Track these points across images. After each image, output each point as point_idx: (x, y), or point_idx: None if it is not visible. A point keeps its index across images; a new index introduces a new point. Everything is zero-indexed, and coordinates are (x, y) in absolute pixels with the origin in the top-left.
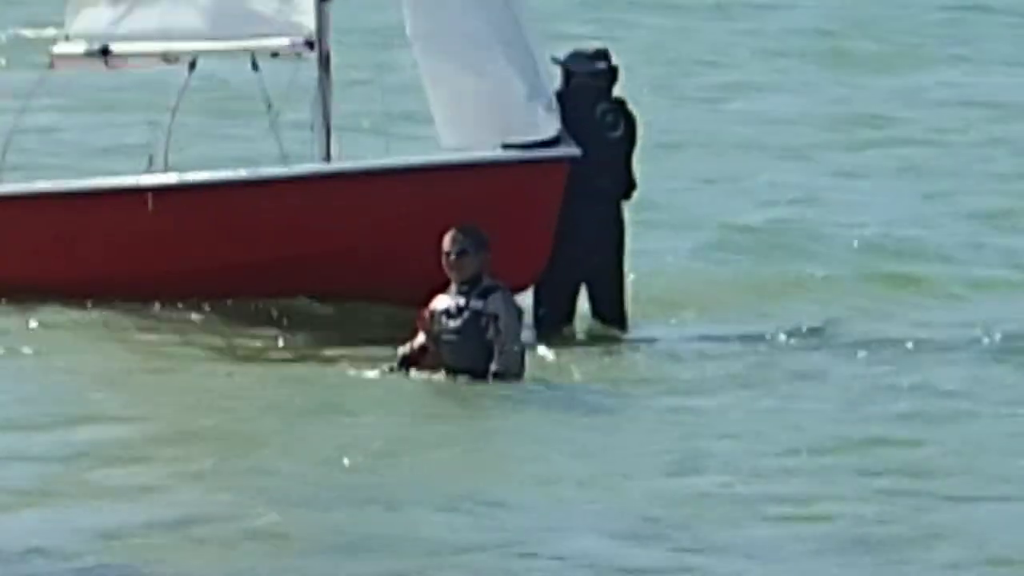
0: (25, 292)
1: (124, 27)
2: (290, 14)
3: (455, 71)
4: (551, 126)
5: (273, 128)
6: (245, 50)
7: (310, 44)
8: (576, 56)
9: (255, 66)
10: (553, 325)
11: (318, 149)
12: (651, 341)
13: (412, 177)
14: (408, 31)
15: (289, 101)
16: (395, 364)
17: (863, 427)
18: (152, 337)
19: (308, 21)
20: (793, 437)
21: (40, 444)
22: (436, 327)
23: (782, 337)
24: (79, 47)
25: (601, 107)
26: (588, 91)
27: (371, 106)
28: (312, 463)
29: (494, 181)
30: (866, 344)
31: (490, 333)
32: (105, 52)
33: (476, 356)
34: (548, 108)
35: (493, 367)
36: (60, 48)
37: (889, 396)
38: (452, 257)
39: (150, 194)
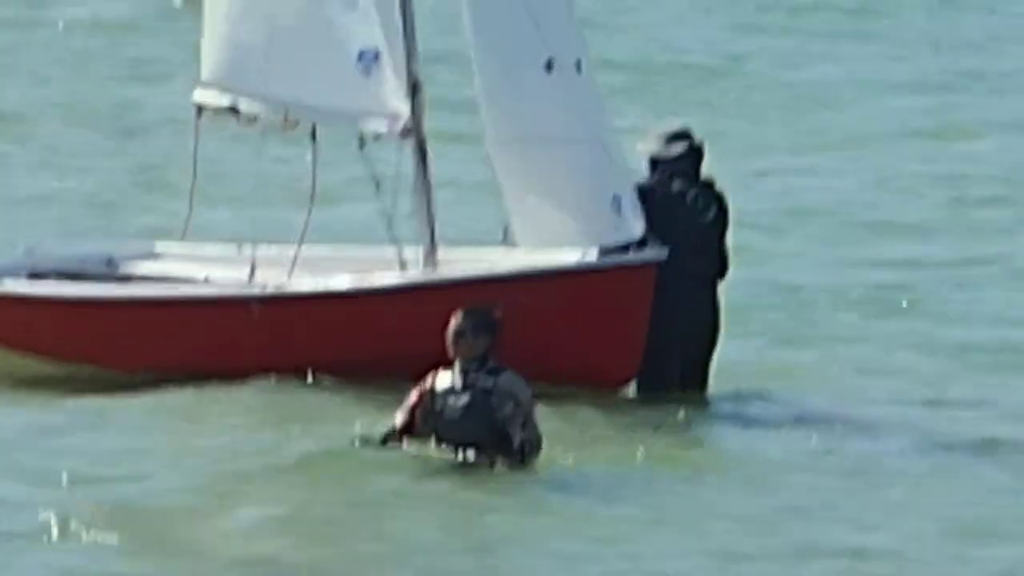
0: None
1: (245, 83)
2: (387, 98)
3: (536, 176)
4: (638, 227)
5: (382, 209)
6: (351, 127)
7: (406, 132)
8: (659, 141)
9: (362, 145)
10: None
11: (421, 239)
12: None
13: (505, 285)
14: (486, 135)
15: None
16: (372, 438)
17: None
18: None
19: (405, 108)
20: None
21: None
22: (437, 405)
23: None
24: (213, 96)
25: (692, 192)
26: (676, 177)
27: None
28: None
29: (585, 286)
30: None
31: (506, 411)
32: (234, 110)
33: (481, 434)
34: (634, 209)
35: (519, 438)
36: (198, 95)
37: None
38: (450, 337)
39: (256, 303)
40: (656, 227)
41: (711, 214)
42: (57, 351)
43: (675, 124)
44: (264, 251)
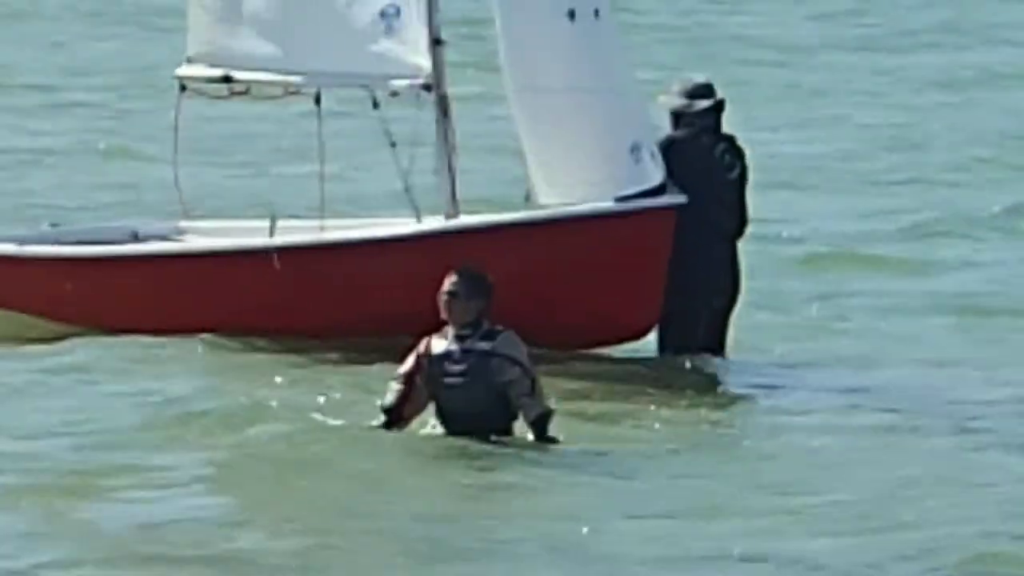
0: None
1: (243, 54)
2: (409, 55)
3: (557, 125)
4: (657, 174)
5: (397, 167)
6: (364, 87)
7: (427, 87)
8: (682, 95)
9: (376, 105)
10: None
11: (442, 194)
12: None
13: (525, 231)
14: (506, 85)
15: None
16: (378, 420)
17: None
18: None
19: (427, 63)
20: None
21: None
22: (435, 371)
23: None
24: (201, 70)
25: (720, 147)
26: (702, 131)
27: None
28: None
29: (603, 232)
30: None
31: (507, 376)
32: (228, 79)
33: (484, 399)
34: (653, 156)
35: (533, 413)
36: (183, 70)
37: None
38: (443, 298)
39: (276, 254)
40: (684, 180)
41: (736, 170)
42: (77, 314)
43: (697, 78)
44: (286, 224)
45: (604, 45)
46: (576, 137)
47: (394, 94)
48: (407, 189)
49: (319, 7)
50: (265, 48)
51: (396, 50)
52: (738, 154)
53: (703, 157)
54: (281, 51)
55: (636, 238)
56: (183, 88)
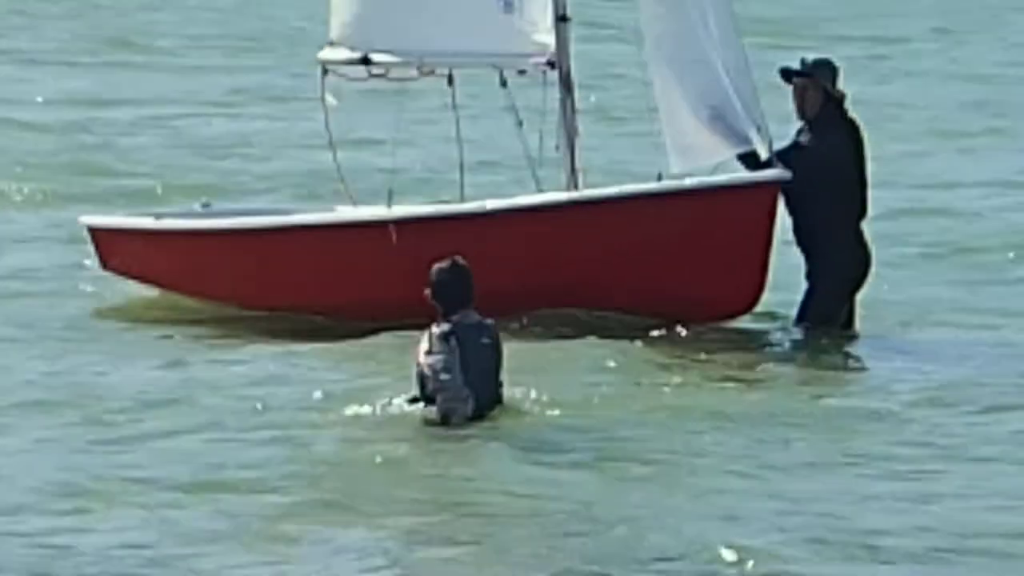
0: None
1: (380, 36)
2: (534, 33)
3: (688, 93)
4: (763, 148)
5: (522, 144)
6: (492, 66)
7: (551, 63)
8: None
9: (504, 83)
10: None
11: (564, 169)
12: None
13: (635, 204)
14: (645, 53)
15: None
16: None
17: None
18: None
19: (550, 40)
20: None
21: None
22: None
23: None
24: (341, 53)
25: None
26: (844, 111)
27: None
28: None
29: (707, 206)
30: None
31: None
32: (366, 61)
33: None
34: (760, 130)
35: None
36: (324, 54)
37: None
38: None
39: (393, 226)
40: (831, 161)
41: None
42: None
43: (820, 57)
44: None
45: (732, 25)
46: (705, 101)
47: (521, 72)
48: (532, 167)
49: None
50: (400, 29)
51: (518, 27)
52: (858, 135)
53: (850, 137)
54: (415, 32)
55: (737, 212)
56: (325, 71)
